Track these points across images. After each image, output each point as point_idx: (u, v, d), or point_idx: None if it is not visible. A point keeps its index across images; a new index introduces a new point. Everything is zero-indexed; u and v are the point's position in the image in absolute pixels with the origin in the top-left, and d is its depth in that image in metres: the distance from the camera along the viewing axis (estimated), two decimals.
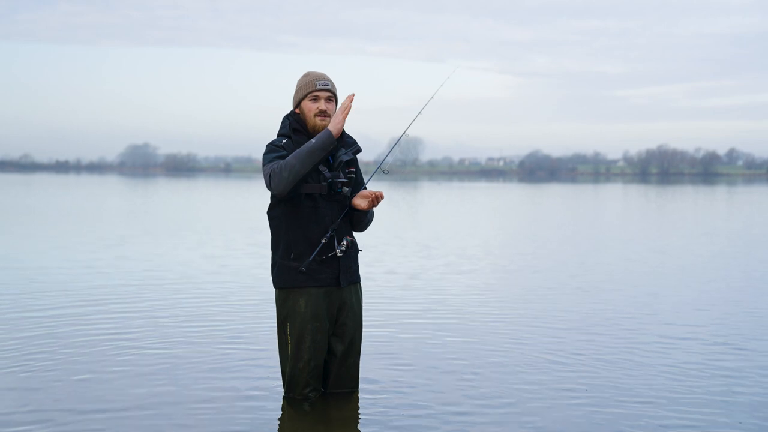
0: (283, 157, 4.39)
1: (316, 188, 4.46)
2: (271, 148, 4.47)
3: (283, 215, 4.50)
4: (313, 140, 4.33)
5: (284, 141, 4.50)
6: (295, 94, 4.60)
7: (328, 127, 4.37)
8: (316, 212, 4.48)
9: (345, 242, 4.51)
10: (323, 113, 4.51)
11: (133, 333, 6.63)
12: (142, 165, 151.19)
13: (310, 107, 4.53)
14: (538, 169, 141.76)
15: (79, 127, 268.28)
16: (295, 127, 4.54)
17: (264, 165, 4.43)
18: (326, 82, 4.56)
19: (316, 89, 4.52)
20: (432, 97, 4.90)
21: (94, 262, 11.49)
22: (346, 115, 4.39)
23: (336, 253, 4.49)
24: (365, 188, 4.64)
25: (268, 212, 4.61)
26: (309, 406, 4.56)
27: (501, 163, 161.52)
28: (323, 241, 4.44)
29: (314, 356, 4.54)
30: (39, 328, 6.75)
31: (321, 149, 4.31)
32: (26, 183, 59.23)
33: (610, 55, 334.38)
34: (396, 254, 12.80)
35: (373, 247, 13.14)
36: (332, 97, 4.58)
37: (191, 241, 15.16)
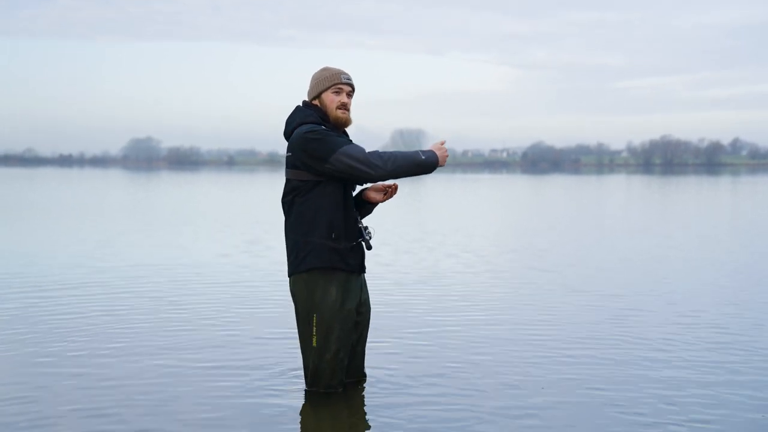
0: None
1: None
2: (332, 135, 4.40)
3: (320, 197, 4.44)
4: (423, 156, 4.42)
5: (323, 128, 4.46)
6: (315, 85, 4.59)
7: (439, 158, 4.51)
8: (347, 197, 4.54)
9: (368, 229, 4.60)
10: (344, 106, 4.55)
11: (151, 328, 6.66)
12: (145, 159, 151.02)
13: (332, 99, 4.54)
14: (541, 161, 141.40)
15: (82, 121, 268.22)
16: (322, 116, 4.55)
17: (337, 146, 4.32)
18: (349, 77, 4.61)
19: (340, 82, 4.54)
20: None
21: (92, 254, 11.53)
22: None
23: (366, 239, 4.55)
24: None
25: (292, 193, 4.50)
26: (335, 398, 4.55)
27: (504, 154, 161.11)
28: (359, 225, 4.52)
29: (343, 347, 4.53)
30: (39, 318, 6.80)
31: (425, 166, 4.44)
32: (30, 177, 59.23)
33: (610, 47, 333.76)
34: (401, 246, 12.82)
35: (377, 238, 13.16)
36: (352, 92, 4.63)
37: (196, 234, 15.19)
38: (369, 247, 4.58)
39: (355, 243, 4.51)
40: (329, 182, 4.45)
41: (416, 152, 4.44)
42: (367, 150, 4.40)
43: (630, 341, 6.25)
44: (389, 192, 4.63)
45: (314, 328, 4.50)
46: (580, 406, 4.65)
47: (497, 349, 5.98)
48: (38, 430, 4.21)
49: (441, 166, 4.56)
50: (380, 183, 4.64)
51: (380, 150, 4.40)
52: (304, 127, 4.46)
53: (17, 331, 6.47)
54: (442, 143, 4.59)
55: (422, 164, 4.42)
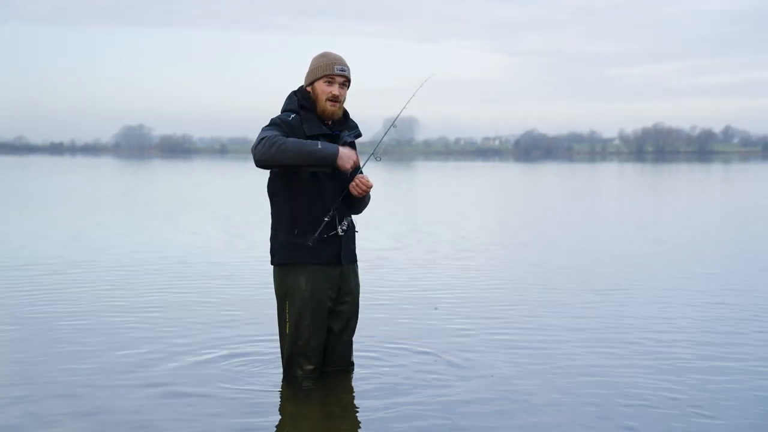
0: (283, 132, 4.34)
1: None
2: (276, 121, 4.42)
3: (286, 191, 4.48)
4: (319, 146, 4.27)
5: (292, 116, 4.46)
6: (310, 72, 4.56)
7: (340, 154, 4.30)
8: (319, 190, 4.47)
9: (346, 222, 4.54)
10: (335, 98, 4.50)
11: (130, 315, 6.64)
12: (137, 146, 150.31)
13: (323, 89, 4.50)
14: (534, 149, 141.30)
15: (74, 108, 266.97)
16: (303, 104, 4.52)
17: (263, 129, 4.36)
18: (344, 67, 4.54)
19: (333, 73, 4.49)
20: (413, 95, 4.86)
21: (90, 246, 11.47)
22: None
23: (338, 232, 4.50)
24: (362, 172, 4.63)
25: (269, 187, 4.58)
26: (310, 384, 4.57)
27: (497, 142, 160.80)
28: (326, 219, 4.45)
29: (315, 334, 4.55)
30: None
31: (319, 158, 4.26)
32: (20, 165, 58.91)
33: (602, 34, 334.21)
34: (394, 235, 12.81)
35: (372, 227, 13.15)
36: (346, 83, 4.58)
37: (190, 223, 15.15)
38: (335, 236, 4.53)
39: (327, 236, 4.47)
40: (292, 176, 4.43)
41: (315, 142, 4.28)
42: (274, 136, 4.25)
43: (627, 329, 6.27)
44: (363, 188, 4.51)
45: (287, 315, 4.55)
46: (568, 394, 4.64)
47: (484, 337, 5.96)
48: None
49: (344, 169, 4.37)
50: (361, 177, 4.55)
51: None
52: (277, 116, 4.49)
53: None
54: (356, 161, 4.45)
55: (315, 152, 4.22)
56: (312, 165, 4.31)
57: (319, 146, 4.27)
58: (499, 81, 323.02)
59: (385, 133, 4.91)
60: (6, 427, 4.07)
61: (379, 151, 4.77)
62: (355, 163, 4.44)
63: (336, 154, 4.31)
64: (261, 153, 4.22)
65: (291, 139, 4.27)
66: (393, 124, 4.87)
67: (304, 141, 4.29)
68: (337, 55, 4.56)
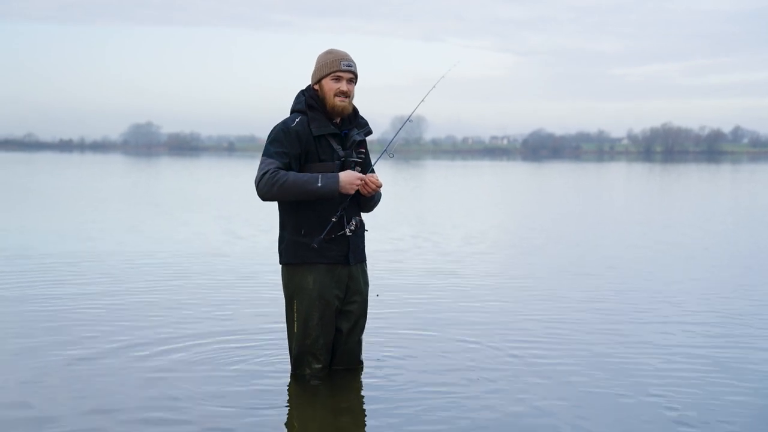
0: (285, 156, 4.33)
1: (329, 166, 4.43)
2: (279, 137, 4.38)
3: None
4: (319, 183, 4.29)
5: (297, 120, 4.44)
6: (317, 70, 4.54)
7: (340, 182, 4.32)
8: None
9: (354, 222, 4.51)
10: (343, 94, 4.48)
11: (136, 312, 6.60)
12: (145, 144, 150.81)
13: (331, 86, 4.48)
14: (541, 148, 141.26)
15: (83, 106, 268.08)
16: (310, 103, 4.50)
17: (264, 155, 4.36)
18: (350, 63, 4.52)
19: (340, 69, 4.47)
20: (434, 87, 4.92)
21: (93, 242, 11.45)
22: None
23: (345, 232, 4.48)
24: (373, 170, 4.61)
25: None
26: (318, 382, 4.55)
27: (504, 141, 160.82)
28: (333, 219, 4.43)
29: (323, 333, 4.54)
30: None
31: (319, 195, 4.31)
32: (29, 162, 59.17)
33: (604, 32, 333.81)
34: (402, 234, 12.77)
35: (380, 226, 13.12)
36: (353, 79, 4.55)
37: (194, 221, 15.15)
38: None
39: (334, 236, 4.45)
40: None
41: (316, 179, 4.30)
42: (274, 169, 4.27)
43: (637, 335, 6.21)
44: (372, 187, 4.50)
45: (295, 314, 4.55)
46: (575, 394, 4.60)
47: (493, 339, 5.92)
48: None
49: (347, 193, 4.38)
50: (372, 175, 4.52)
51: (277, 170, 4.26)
52: (282, 121, 4.48)
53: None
54: (360, 179, 4.40)
55: (315, 190, 4.28)
56: (313, 199, 4.35)
57: (319, 183, 4.30)
58: (504, 80, 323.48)
59: (400, 128, 4.90)
60: (5, 426, 4.03)
61: (392, 148, 4.74)
62: (357, 185, 4.40)
63: (336, 189, 4.33)
64: (264, 192, 4.30)
65: (291, 177, 4.27)
66: (409, 118, 4.86)
67: (305, 179, 4.29)
68: (343, 52, 4.55)
